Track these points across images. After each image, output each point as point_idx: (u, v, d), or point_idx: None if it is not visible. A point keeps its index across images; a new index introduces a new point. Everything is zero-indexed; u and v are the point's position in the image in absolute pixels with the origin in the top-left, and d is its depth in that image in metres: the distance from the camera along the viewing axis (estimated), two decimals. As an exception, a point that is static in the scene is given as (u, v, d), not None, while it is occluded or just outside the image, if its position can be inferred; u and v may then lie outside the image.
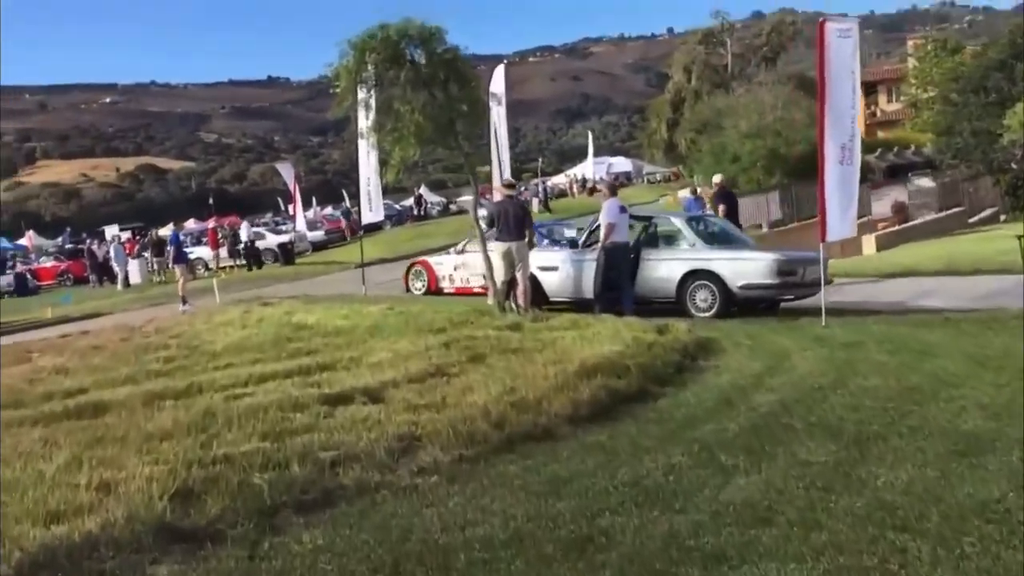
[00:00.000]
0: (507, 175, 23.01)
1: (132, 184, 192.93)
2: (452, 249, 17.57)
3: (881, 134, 49.46)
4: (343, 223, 40.92)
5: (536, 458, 5.23)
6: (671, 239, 11.86)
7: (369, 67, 10.55)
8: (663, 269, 11.52)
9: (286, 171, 28.90)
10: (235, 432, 5.57)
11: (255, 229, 35.78)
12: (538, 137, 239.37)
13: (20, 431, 6.17)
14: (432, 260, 17.50)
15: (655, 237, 12.09)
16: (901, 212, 26.68)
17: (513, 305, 11.77)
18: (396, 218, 45.63)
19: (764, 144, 31.29)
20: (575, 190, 66.08)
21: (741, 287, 11.02)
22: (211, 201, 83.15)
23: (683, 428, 5.75)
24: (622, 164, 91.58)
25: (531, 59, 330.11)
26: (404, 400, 6.31)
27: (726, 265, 11.13)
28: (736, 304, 11.15)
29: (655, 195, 56.27)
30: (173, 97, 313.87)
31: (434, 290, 16.87)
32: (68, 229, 77.69)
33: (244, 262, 30.67)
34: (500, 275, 11.57)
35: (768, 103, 36.52)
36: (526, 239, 11.58)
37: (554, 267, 12.35)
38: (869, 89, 61.75)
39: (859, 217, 28.36)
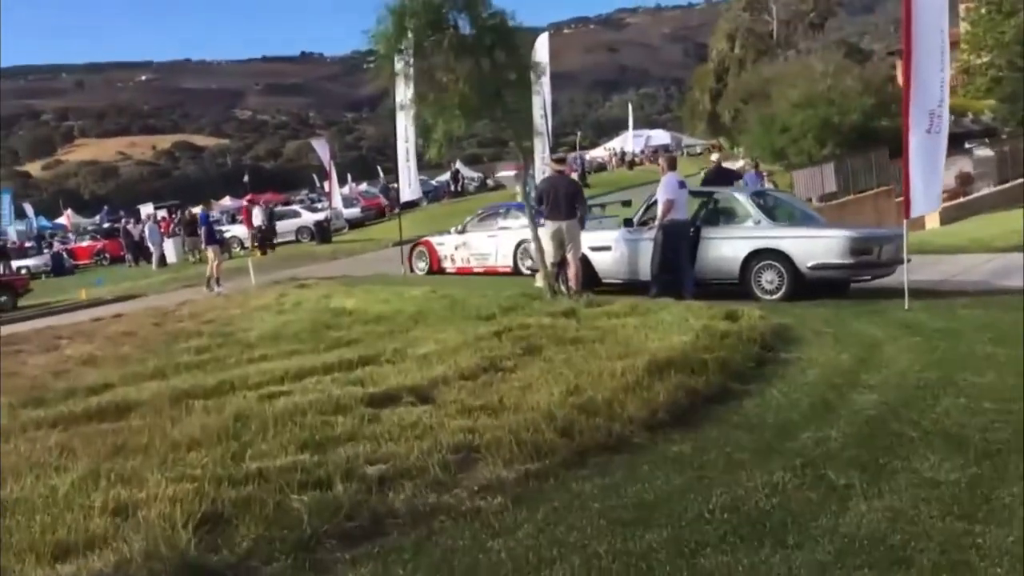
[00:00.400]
0: (544, 152, 22.35)
1: (168, 162, 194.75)
2: (454, 228, 17.41)
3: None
4: (381, 200, 40.37)
5: (614, 475, 4.53)
6: (734, 216, 11.04)
7: (409, 34, 9.80)
8: (725, 248, 10.72)
9: (321, 147, 28.29)
10: (270, 441, 4.93)
11: (281, 208, 35.33)
12: (574, 110, 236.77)
13: (37, 435, 5.61)
14: (434, 240, 17.48)
15: (716, 214, 11.27)
16: (967, 183, 25.36)
17: (563, 288, 11.07)
18: (432, 194, 44.99)
19: (816, 114, 30.00)
20: (614, 163, 64.93)
21: (811, 267, 10.18)
22: (246, 178, 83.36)
23: (778, 437, 5.01)
24: (661, 136, 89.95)
25: (566, 31, 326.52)
26: (457, 401, 5.63)
27: (795, 244, 10.29)
28: (805, 286, 10.33)
29: (696, 168, 55.05)
30: (208, 74, 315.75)
31: (436, 270, 17.00)
32: (105, 208, 78.17)
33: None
34: (550, 256, 10.85)
35: (818, 71, 35.12)
36: (577, 217, 10.84)
37: (607, 247, 11.60)
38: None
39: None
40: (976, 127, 36.95)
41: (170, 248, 32.45)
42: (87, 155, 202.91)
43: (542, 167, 23.12)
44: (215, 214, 59.42)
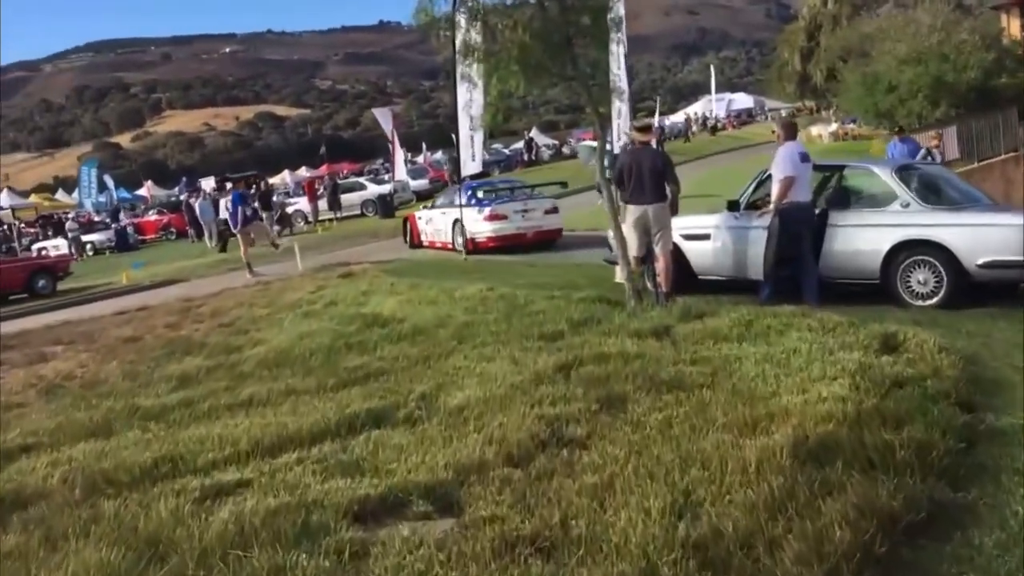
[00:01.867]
0: (619, 119, 19.86)
1: (251, 132, 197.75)
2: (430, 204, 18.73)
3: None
4: (446, 172, 38.43)
5: None
6: (872, 198, 8.58)
7: (454, -34, 7.65)
8: (862, 240, 8.31)
9: (383, 117, 26.33)
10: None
11: (346, 180, 33.51)
12: (652, 75, 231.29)
13: None
14: (417, 215, 18.84)
15: (847, 194, 8.84)
16: None
17: (650, 285, 8.85)
18: (505, 163, 42.83)
19: (927, 71, 26.68)
20: (695, 129, 61.61)
21: (982, 265, 7.72)
22: (323, 149, 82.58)
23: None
24: (743, 100, 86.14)
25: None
26: (495, 518, 3.52)
27: (958, 234, 7.82)
28: (970, 289, 7.89)
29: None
30: (289, 45, 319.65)
31: (417, 243, 18.28)
32: (184, 179, 78.22)
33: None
34: (633, 248, 8.64)
35: (926, 24, 31.54)
36: (667, 201, 8.58)
37: (704, 235, 9.28)
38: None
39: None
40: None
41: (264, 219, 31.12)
42: (174, 126, 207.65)
43: (620, 135, 20.72)
44: (288, 184, 58.58)
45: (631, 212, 8.59)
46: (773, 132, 8.52)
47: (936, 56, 27.27)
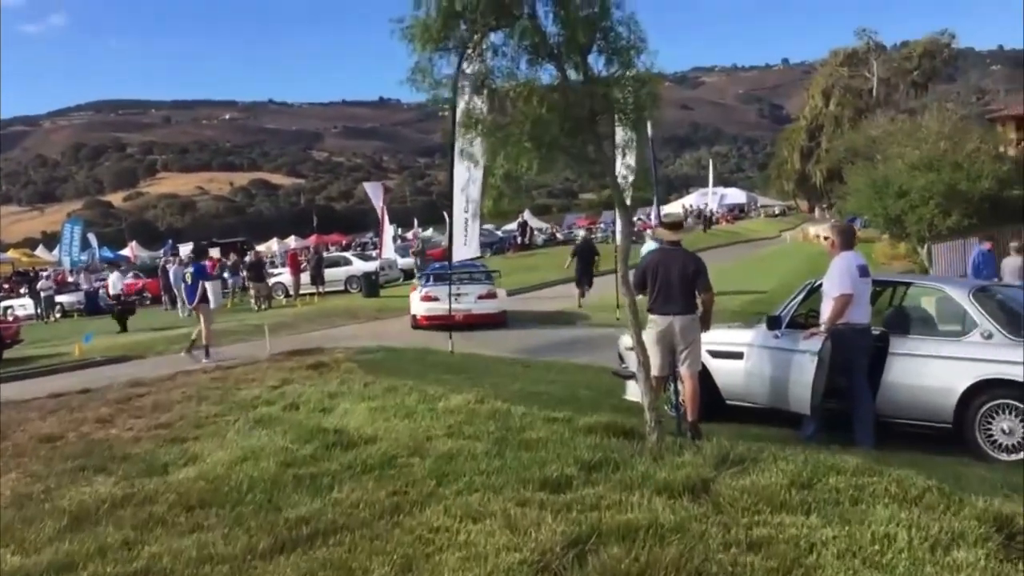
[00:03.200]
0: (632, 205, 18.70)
1: (244, 198, 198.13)
2: None
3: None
4: (441, 250, 37.24)
5: None
6: (943, 323, 7.24)
7: (461, 24, 6.37)
8: (932, 375, 6.92)
9: (374, 191, 25.04)
10: None
11: (331, 254, 32.20)
12: (645, 165, 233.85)
13: None
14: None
15: (909, 317, 7.49)
16: None
17: (672, 412, 7.41)
18: (497, 245, 41.69)
19: (939, 178, 25.84)
20: (691, 222, 60.99)
21: (1084, 416, 6.33)
22: (315, 220, 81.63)
23: None
24: (736, 195, 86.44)
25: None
26: None
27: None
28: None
29: (775, 229, 50.72)
30: (288, 115, 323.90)
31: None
32: (170, 241, 76.90)
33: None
34: (656, 366, 7.21)
35: (934, 131, 30.97)
36: (697, 312, 7.19)
37: (736, 353, 7.88)
38: (1021, 124, 54.76)
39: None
40: None
41: (212, 292, 29.58)
42: (167, 188, 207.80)
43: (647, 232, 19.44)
44: (275, 254, 57.13)
45: (655, 324, 7.19)
46: (824, 238, 7.13)
47: (949, 164, 26.50)
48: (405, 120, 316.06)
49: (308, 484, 5.66)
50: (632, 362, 7.49)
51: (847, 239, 7.25)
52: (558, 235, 48.91)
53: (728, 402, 7.97)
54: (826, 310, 7.07)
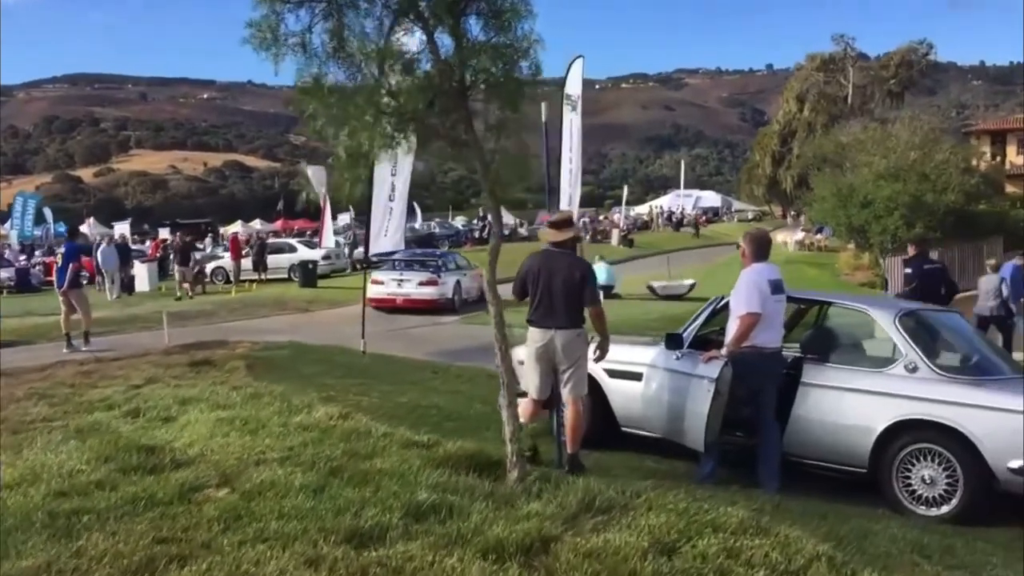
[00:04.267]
0: (569, 205, 17.71)
1: (217, 179, 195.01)
2: None
3: (1011, 188, 42.46)
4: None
5: None
6: (865, 350, 6.27)
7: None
8: (846, 410, 5.94)
9: (316, 175, 23.62)
10: None
11: (276, 240, 30.98)
12: (624, 164, 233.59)
13: None
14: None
15: (827, 342, 6.52)
16: None
17: (557, 443, 6.40)
18: (454, 238, 40.61)
19: (905, 189, 25.09)
20: (659, 223, 60.20)
21: (1017, 470, 5.36)
22: (280, 204, 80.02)
23: None
24: (710, 199, 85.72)
25: (624, 85, 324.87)
26: None
27: (986, 419, 5.48)
28: (994, 499, 5.52)
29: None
30: (267, 97, 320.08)
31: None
32: (129, 220, 74.96)
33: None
34: (532, 388, 6.19)
35: (904, 140, 30.28)
36: (582, 325, 6.17)
37: (634, 373, 6.85)
38: (996, 138, 54.61)
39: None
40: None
41: (143, 274, 28.32)
42: (139, 165, 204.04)
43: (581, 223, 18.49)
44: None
45: (533, 339, 6.16)
46: (738, 247, 6.13)
47: (916, 174, 25.80)
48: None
49: (63, 523, 4.57)
50: (523, 383, 6.47)
51: (760, 249, 6.21)
52: (521, 230, 47.72)
53: (624, 429, 6.97)
54: (731, 330, 6.07)
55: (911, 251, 11.86)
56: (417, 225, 47.38)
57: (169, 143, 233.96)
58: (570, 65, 18.05)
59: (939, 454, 5.57)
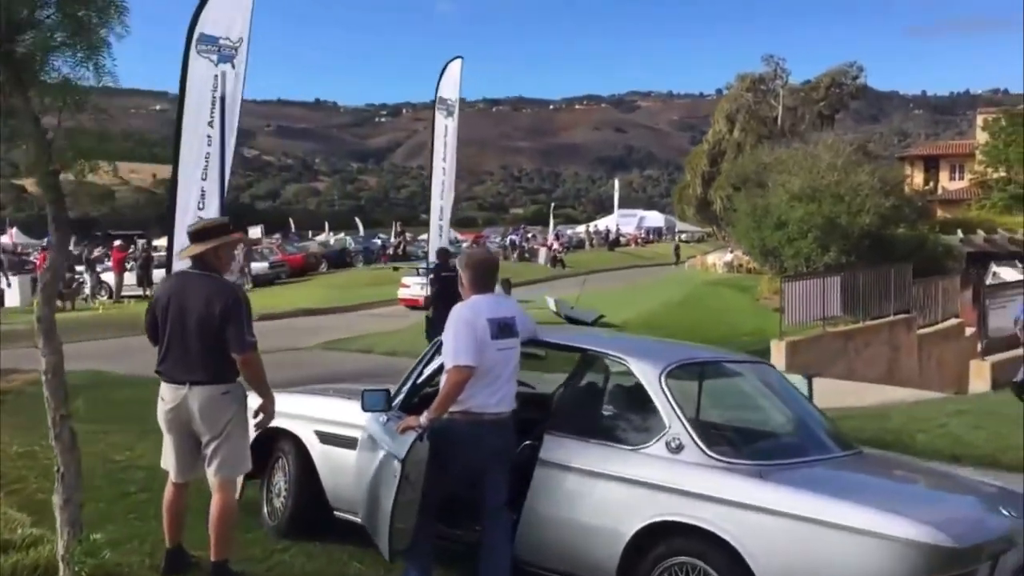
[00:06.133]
0: (440, 219, 16.10)
1: (166, 191, 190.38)
2: None
3: (942, 213, 42.22)
4: (303, 256, 34.32)
5: None
6: (622, 418, 4.59)
7: None
8: (593, 504, 4.22)
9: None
10: None
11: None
12: (577, 184, 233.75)
13: None
14: None
15: (577, 406, 4.82)
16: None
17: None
18: (365, 254, 39.05)
19: (819, 210, 23.89)
20: (594, 243, 58.87)
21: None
22: (225, 216, 77.47)
23: None
24: (655, 219, 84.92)
25: (577, 106, 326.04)
26: None
27: (755, 526, 3.79)
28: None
29: (683, 255, 48.64)
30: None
31: None
32: (14, 228, 71.95)
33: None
34: (171, 466, 4.46)
35: (825, 161, 29.23)
36: (233, 382, 4.41)
37: (349, 439, 5.06)
38: (929, 164, 54.57)
39: (946, 318, 20.73)
40: (1015, 246, 31.01)
41: (15, 288, 26.08)
42: (87, 176, 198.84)
43: (436, 237, 16.94)
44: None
45: (163, 396, 4.39)
46: (458, 274, 4.34)
47: (831, 195, 24.61)
48: (341, 123, 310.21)
49: None
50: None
51: (481, 276, 4.43)
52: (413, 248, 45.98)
53: (336, 512, 5.19)
54: (441, 389, 4.35)
55: None
56: (332, 240, 45.52)
57: (118, 154, 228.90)
58: (445, 67, 16.46)
59: (703, 572, 3.88)
